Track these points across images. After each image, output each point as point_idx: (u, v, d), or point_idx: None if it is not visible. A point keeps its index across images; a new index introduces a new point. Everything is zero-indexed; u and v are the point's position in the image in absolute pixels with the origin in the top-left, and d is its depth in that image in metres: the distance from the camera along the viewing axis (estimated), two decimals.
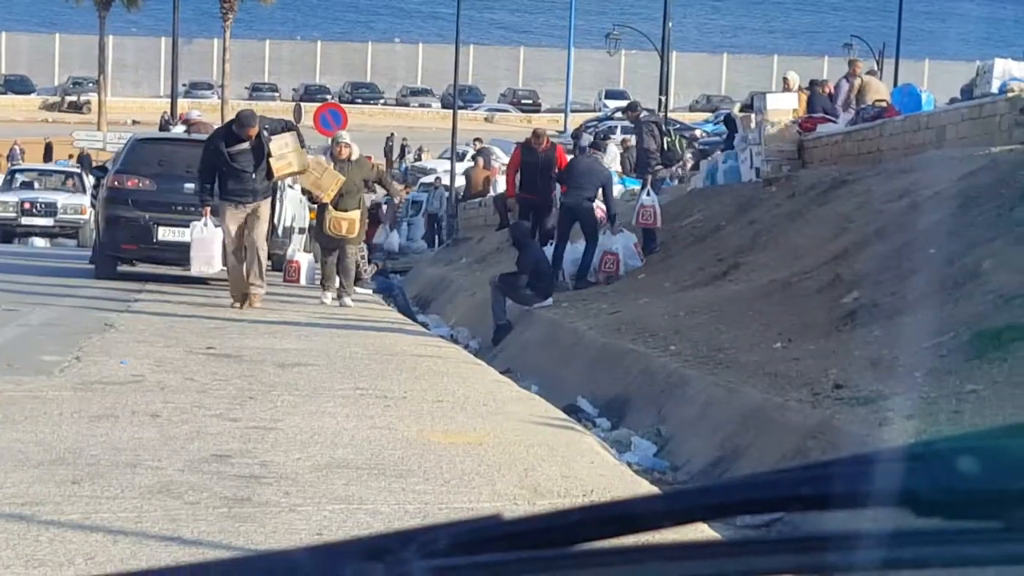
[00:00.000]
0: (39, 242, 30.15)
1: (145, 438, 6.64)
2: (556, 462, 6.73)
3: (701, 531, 3.70)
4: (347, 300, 14.71)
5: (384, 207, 28.89)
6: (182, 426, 7.02)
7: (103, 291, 14.68)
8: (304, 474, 6.03)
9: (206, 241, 13.72)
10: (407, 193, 34.68)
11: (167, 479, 5.79)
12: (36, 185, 32.60)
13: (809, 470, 0.85)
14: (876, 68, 29.69)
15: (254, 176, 13.38)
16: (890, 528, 0.84)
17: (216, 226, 13.58)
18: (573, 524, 0.84)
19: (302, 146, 14.05)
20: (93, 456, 6.15)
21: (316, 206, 15.04)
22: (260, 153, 13.38)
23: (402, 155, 54.05)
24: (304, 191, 15.28)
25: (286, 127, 14.12)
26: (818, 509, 0.84)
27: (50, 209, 30.47)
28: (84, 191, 31.18)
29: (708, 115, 57.05)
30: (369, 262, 19.29)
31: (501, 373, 11.25)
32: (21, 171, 34.60)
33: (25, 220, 30.35)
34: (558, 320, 13.97)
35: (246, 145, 13.32)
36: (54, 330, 10.99)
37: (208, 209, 13.61)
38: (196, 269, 14.17)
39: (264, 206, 13.68)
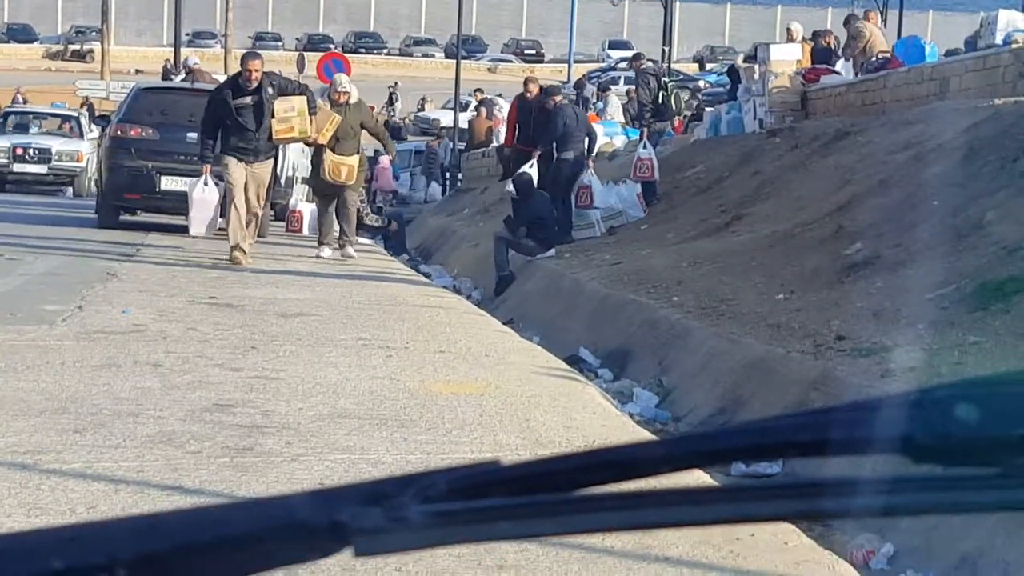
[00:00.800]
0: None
1: (147, 387, 6.65)
2: (558, 412, 6.75)
3: (699, 479, 3.71)
4: (349, 250, 14.39)
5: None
6: (184, 376, 7.03)
7: (106, 241, 14.68)
8: (306, 424, 6.04)
9: (206, 202, 13.56)
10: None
11: (169, 428, 5.80)
12: (31, 129, 30.71)
13: (807, 416, 0.85)
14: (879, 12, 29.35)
15: (256, 135, 12.99)
16: (888, 475, 0.84)
17: (216, 185, 13.41)
18: (572, 469, 0.84)
19: (311, 112, 13.45)
20: (95, 405, 6.16)
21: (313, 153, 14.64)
22: (262, 111, 13.02)
23: (390, 102, 52.71)
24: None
25: (299, 90, 13.59)
26: (815, 455, 0.84)
27: (44, 155, 28.73)
28: (82, 136, 29.86)
29: (695, 68, 56.29)
30: (378, 211, 19.22)
31: (503, 324, 11.26)
32: (15, 114, 32.58)
33: (17, 167, 28.60)
34: (560, 271, 13.97)
35: (249, 100, 12.97)
36: (56, 279, 11.00)
37: (207, 168, 13.43)
38: (195, 230, 14.02)
39: (266, 169, 13.33)
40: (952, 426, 0.82)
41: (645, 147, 16.97)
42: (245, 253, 13.02)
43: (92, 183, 24.31)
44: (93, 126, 30.74)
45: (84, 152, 28.54)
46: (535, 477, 0.84)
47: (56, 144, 29.30)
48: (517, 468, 0.85)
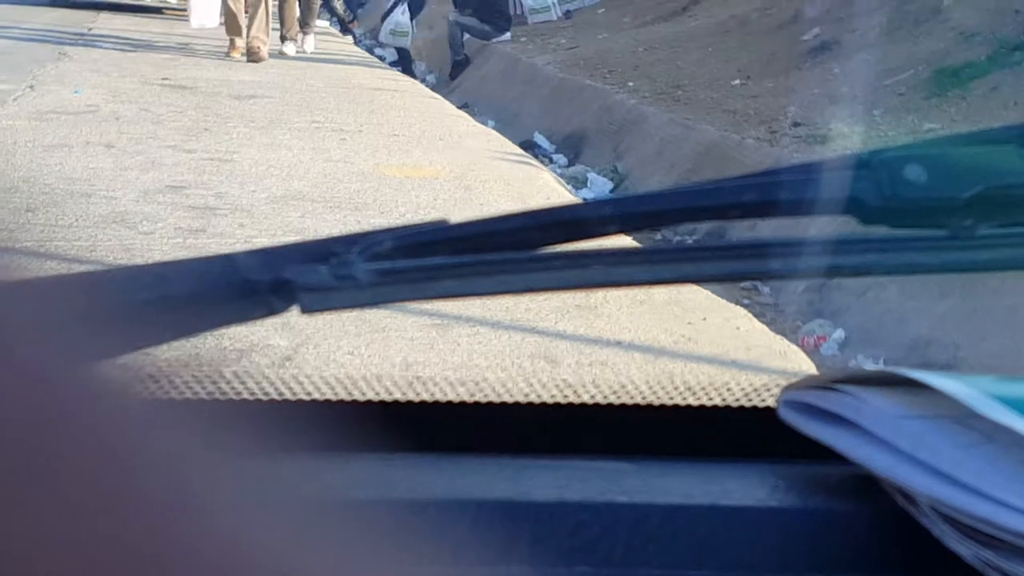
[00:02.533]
0: None
1: (99, 168, 6.60)
2: (512, 197, 6.74)
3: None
4: (307, 44, 13.40)
5: None
6: (136, 157, 6.97)
7: (56, 19, 14.42)
8: (259, 206, 6.02)
9: None
10: None
11: (122, 209, 5.77)
12: None
13: (753, 178, 0.84)
14: None
15: None
16: (834, 235, 0.84)
17: None
18: (517, 229, 0.83)
19: None
20: (48, 185, 6.11)
21: None
22: None
23: None
24: None
25: None
26: (761, 216, 0.84)
27: None
28: None
29: None
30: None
31: (458, 108, 11.19)
32: None
33: None
34: (516, 55, 13.84)
35: None
36: (6, 58, 10.81)
37: None
38: (196, 22, 13.30)
39: None
40: (900, 187, 0.82)
41: None
42: (261, 48, 11.97)
43: None
44: None
45: None
46: (481, 236, 0.84)
47: None
48: (463, 227, 0.84)
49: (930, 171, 0.82)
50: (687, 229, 6.82)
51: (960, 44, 8.71)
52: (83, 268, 4.82)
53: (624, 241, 0.84)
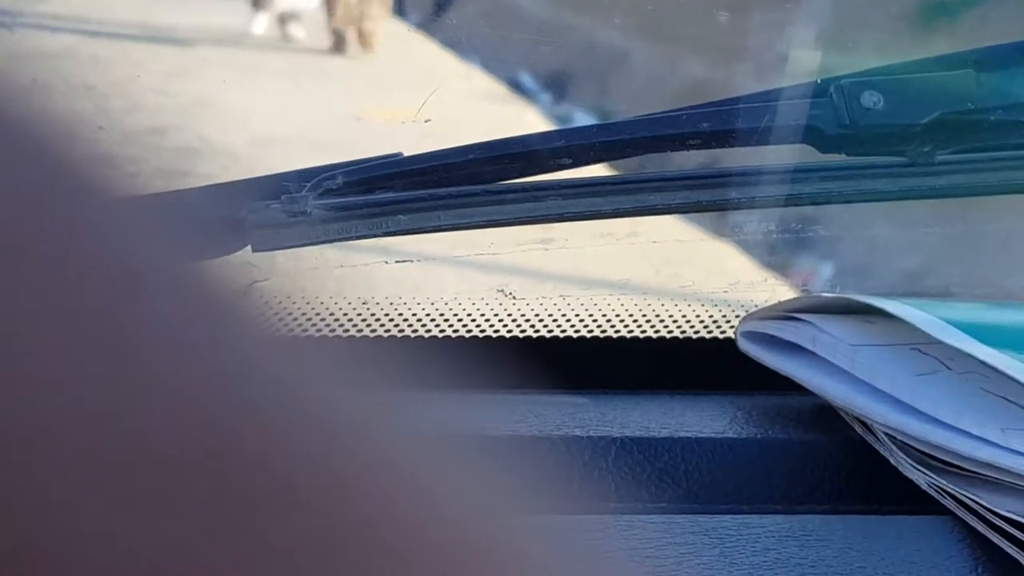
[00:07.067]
0: None
1: (81, 110, 6.56)
2: (498, 135, 6.73)
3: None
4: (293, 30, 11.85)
5: None
6: (118, 100, 6.92)
7: None
8: (242, 148, 5.99)
9: None
10: None
11: (104, 152, 5.74)
12: None
13: (711, 107, 0.83)
14: None
15: None
16: (793, 164, 0.83)
17: None
18: (473, 162, 0.83)
19: None
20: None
21: None
22: None
23: None
24: None
25: None
26: (719, 146, 0.83)
27: None
28: None
29: None
30: None
31: (442, 48, 11.12)
32: None
33: None
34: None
35: None
36: None
37: None
38: (286, 3, 12.04)
39: None
40: (858, 115, 0.81)
41: None
42: (374, 29, 10.05)
43: None
44: None
45: None
46: (436, 170, 0.83)
47: None
48: (417, 160, 0.83)
49: (888, 97, 0.82)
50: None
51: None
52: None
53: (584, 172, 0.83)
